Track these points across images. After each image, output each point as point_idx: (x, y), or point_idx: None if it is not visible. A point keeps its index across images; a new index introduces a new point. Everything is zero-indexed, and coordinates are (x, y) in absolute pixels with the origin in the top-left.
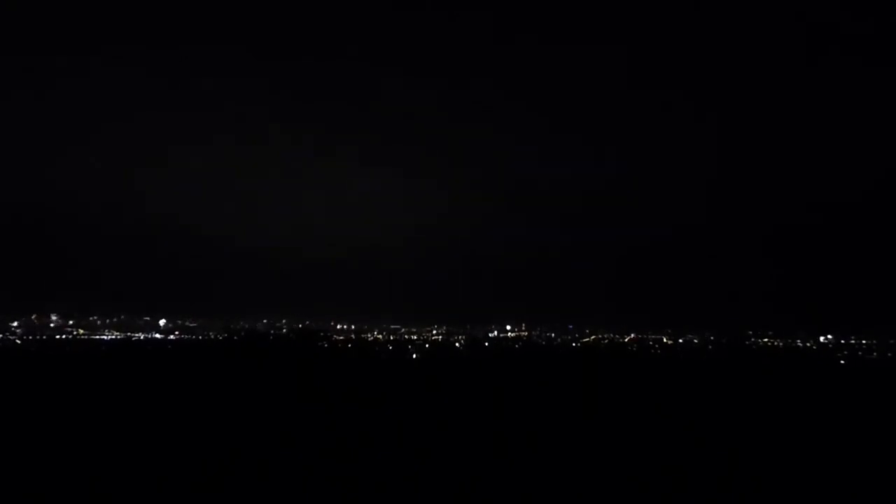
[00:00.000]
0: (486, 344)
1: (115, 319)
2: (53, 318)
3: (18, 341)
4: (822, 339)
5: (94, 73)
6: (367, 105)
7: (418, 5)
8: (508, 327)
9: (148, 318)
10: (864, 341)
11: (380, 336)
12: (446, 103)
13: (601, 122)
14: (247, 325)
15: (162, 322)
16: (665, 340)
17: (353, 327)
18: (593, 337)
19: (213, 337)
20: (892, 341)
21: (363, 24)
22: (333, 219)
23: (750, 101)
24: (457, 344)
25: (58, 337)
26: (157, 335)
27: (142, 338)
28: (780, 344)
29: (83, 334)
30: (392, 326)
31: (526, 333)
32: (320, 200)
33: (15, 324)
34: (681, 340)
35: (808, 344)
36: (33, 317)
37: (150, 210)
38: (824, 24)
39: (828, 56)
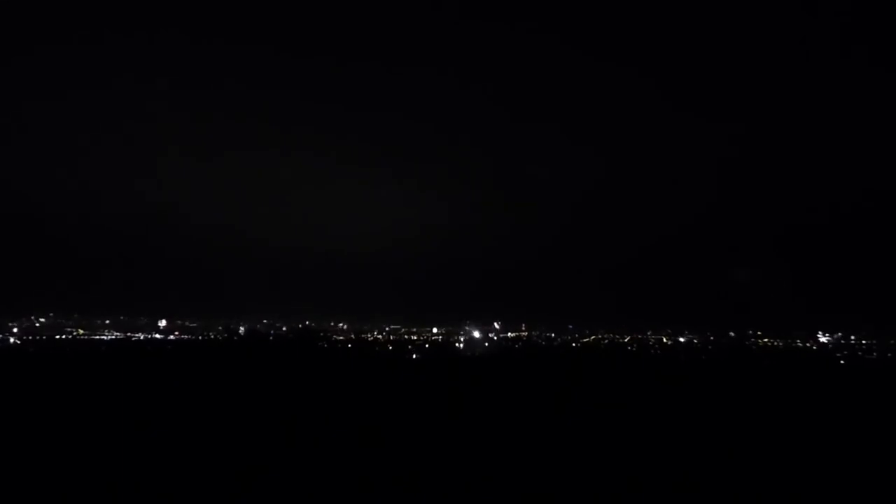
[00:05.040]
0: (486, 344)
1: (115, 319)
2: (53, 318)
3: (17, 342)
4: (821, 339)
5: (105, 75)
6: (367, 108)
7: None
8: (509, 327)
9: (148, 319)
10: (864, 341)
11: (380, 336)
12: (445, 106)
13: (603, 120)
14: (247, 326)
15: (162, 322)
16: (665, 340)
17: (353, 327)
18: (593, 337)
19: (213, 337)
20: (892, 341)
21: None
22: (333, 219)
23: (749, 102)
24: (457, 344)
25: (57, 337)
26: (157, 335)
27: (142, 338)
28: (780, 344)
29: (83, 334)
30: (392, 326)
31: (526, 333)
32: (321, 201)
33: (14, 324)
34: (681, 340)
35: (808, 344)
36: (32, 317)
37: (149, 211)
38: (831, 23)
39: (832, 56)
